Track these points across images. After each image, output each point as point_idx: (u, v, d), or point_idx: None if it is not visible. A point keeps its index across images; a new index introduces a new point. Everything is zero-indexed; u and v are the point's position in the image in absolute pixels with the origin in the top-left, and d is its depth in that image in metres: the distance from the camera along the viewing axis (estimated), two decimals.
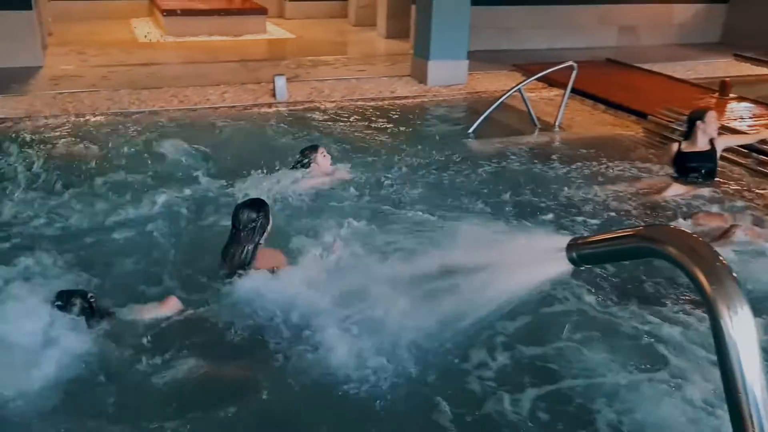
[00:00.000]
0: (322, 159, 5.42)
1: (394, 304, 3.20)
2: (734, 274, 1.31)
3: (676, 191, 5.39)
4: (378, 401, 2.92)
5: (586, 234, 4.27)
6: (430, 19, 8.55)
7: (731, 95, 8.31)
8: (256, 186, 5.00)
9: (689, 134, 5.74)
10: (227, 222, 3.91)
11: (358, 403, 2.93)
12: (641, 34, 12.67)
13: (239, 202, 4.06)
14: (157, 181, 5.34)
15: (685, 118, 7.03)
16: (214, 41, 11.86)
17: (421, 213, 4.86)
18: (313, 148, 5.47)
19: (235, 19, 12.56)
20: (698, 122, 5.69)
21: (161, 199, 4.88)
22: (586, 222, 4.87)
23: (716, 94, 8.38)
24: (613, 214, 5.03)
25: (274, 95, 7.93)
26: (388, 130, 7.04)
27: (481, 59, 10.28)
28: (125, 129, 6.68)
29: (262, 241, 3.78)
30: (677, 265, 1.34)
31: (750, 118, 7.52)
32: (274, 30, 13.21)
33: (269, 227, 3.83)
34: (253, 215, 3.74)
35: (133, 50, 10.98)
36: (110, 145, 6.18)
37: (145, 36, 12.28)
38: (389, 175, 5.64)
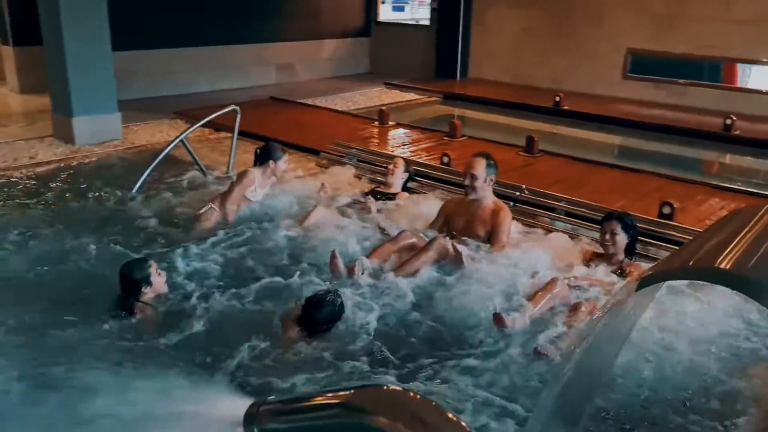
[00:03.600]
0: (283, 165, 5.58)
1: None
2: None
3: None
4: None
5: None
6: (65, 71, 7.42)
7: (390, 123, 8.73)
8: None
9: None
10: None
11: None
12: (299, 70, 12.94)
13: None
14: None
15: (354, 150, 7.15)
16: None
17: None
18: (282, 152, 5.60)
19: None
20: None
21: None
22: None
23: (377, 124, 8.73)
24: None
25: None
26: (28, 206, 5.80)
27: (138, 108, 9.37)
28: None
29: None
30: None
31: (411, 143, 7.93)
32: None
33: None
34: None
35: None
36: None
37: None
38: (37, 269, 4.52)
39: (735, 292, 1.96)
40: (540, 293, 4.03)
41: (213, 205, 5.37)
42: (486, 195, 4.92)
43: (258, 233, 5.16)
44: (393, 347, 3.69)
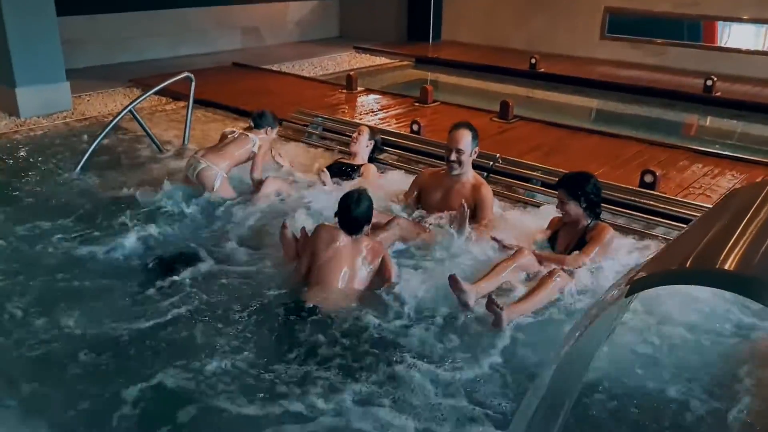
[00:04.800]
0: (267, 136, 5.39)
1: None
2: None
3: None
4: None
5: None
6: (5, 38, 6.85)
7: (359, 89, 8.30)
8: None
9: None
10: None
11: None
12: (265, 35, 12.37)
13: None
14: None
15: (319, 119, 6.75)
16: None
17: None
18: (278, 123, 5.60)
19: None
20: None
21: None
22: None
23: (344, 90, 8.30)
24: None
25: None
26: None
27: (91, 77, 8.87)
28: None
29: None
30: None
31: (380, 110, 7.53)
32: None
33: None
34: None
35: None
36: None
37: None
38: None
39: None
40: (504, 263, 3.78)
41: (210, 163, 5.00)
42: (467, 170, 4.57)
43: (208, 207, 4.88)
44: (355, 334, 3.39)
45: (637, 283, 1.44)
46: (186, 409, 2.86)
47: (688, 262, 1.48)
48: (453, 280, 3.50)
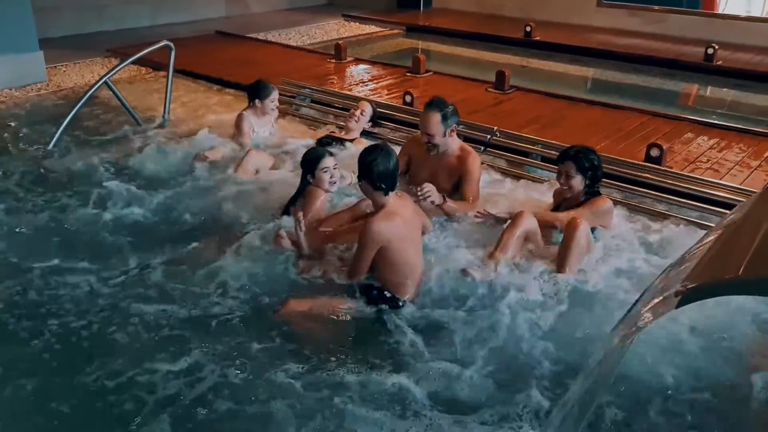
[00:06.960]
0: (270, 104, 5.25)
1: None
2: None
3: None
4: None
5: None
6: None
7: (348, 58, 7.96)
8: None
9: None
10: None
11: None
12: (251, 2, 11.93)
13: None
14: None
15: (306, 90, 6.44)
16: None
17: None
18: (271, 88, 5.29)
19: None
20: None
21: None
22: None
23: (333, 60, 7.96)
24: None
25: None
26: None
27: (67, 47, 8.49)
28: None
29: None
30: None
31: (370, 81, 7.20)
32: None
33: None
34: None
35: None
36: None
37: None
38: None
39: None
40: (508, 232, 3.61)
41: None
42: (450, 144, 4.22)
43: (192, 182, 4.66)
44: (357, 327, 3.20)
45: (688, 294, 1.19)
46: (180, 403, 2.68)
47: (741, 270, 1.23)
48: (464, 273, 3.42)
